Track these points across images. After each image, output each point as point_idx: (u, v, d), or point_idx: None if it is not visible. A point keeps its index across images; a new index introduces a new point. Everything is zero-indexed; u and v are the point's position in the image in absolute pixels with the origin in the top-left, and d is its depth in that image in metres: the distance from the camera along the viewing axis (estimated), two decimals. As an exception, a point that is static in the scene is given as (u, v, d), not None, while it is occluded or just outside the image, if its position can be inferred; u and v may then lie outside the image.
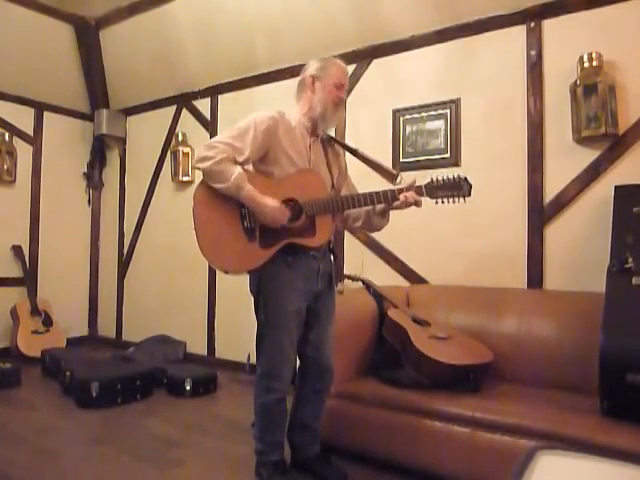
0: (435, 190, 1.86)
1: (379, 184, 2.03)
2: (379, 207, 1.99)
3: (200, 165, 1.84)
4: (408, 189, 1.87)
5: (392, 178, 2.13)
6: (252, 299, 2.03)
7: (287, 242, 1.87)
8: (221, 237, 1.87)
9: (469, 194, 1.84)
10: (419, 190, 1.87)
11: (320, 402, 2.14)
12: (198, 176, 4.33)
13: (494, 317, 2.48)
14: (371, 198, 1.89)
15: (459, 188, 1.83)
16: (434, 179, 1.87)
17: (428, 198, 1.87)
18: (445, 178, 1.85)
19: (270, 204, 1.83)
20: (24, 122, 4.61)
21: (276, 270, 1.90)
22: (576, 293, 2.45)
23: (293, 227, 1.88)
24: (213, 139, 1.90)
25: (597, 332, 1.83)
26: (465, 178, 1.84)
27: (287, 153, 1.93)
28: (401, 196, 1.86)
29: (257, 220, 1.87)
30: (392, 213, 2.04)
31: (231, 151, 1.84)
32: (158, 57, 4.32)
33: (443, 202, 1.85)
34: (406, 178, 2.00)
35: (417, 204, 1.87)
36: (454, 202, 1.84)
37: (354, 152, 2.12)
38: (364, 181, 2.24)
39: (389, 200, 1.89)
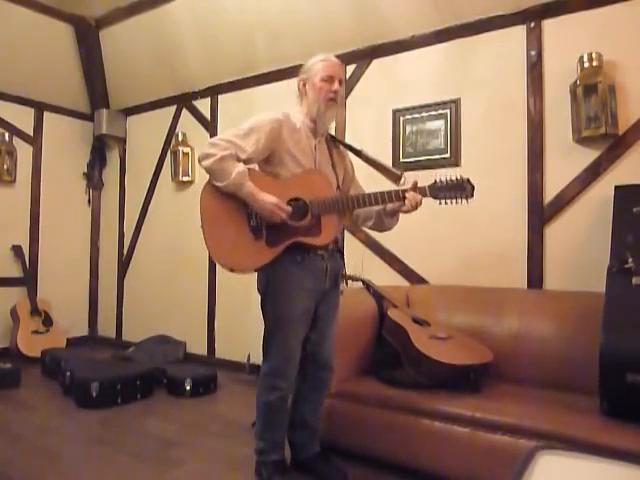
0: (439, 191, 1.87)
1: (385, 185, 2.03)
2: (390, 207, 1.99)
3: (202, 163, 1.87)
4: (412, 190, 1.88)
5: (396, 179, 2.15)
6: (254, 298, 2.03)
7: (293, 241, 1.88)
8: (228, 235, 1.88)
9: (472, 195, 1.86)
10: (422, 191, 1.89)
11: (319, 400, 2.14)
12: (198, 176, 4.37)
13: (494, 317, 2.48)
14: (376, 198, 1.89)
15: (462, 189, 1.85)
16: (438, 180, 1.88)
17: (432, 199, 1.89)
18: (449, 179, 1.86)
19: (268, 199, 1.84)
20: (24, 122, 4.61)
21: (285, 269, 1.90)
22: (576, 293, 2.45)
23: (299, 226, 1.88)
24: (216, 137, 1.92)
25: (597, 332, 1.82)
26: (468, 179, 1.86)
27: (292, 154, 1.94)
28: (408, 195, 1.87)
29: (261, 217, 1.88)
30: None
31: (233, 148, 1.85)
32: (158, 57, 4.32)
33: (446, 203, 1.87)
34: (410, 179, 2.00)
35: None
36: (457, 203, 1.86)
37: (358, 153, 2.13)
38: (369, 182, 2.24)
39: (393, 200, 1.89)
